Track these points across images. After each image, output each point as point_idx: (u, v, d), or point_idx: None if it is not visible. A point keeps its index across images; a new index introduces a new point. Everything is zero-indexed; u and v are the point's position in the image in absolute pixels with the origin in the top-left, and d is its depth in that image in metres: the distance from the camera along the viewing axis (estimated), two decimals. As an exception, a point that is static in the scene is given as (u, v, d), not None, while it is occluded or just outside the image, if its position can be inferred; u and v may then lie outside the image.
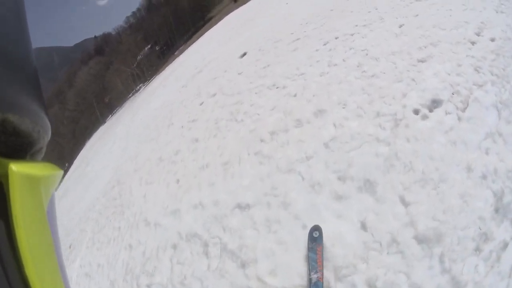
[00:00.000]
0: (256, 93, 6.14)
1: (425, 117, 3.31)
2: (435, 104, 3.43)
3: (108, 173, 10.01)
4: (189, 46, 39.12)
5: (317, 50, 6.43)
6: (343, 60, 5.38)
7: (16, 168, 0.29)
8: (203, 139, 5.87)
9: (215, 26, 34.40)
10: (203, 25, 56.51)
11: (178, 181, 5.11)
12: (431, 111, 3.37)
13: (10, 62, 0.30)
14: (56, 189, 0.39)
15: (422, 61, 4.34)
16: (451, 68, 3.92)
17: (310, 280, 2.35)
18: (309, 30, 8.10)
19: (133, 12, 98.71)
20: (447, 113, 3.24)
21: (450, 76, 3.76)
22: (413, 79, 4.00)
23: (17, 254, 0.29)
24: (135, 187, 6.44)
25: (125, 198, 6.38)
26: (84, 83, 71.06)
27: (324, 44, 6.54)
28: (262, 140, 4.44)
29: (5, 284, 0.28)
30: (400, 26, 5.85)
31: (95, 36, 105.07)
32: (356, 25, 6.77)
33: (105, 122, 49.81)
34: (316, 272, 2.36)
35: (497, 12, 5.02)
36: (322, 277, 2.33)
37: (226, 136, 5.35)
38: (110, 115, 52.04)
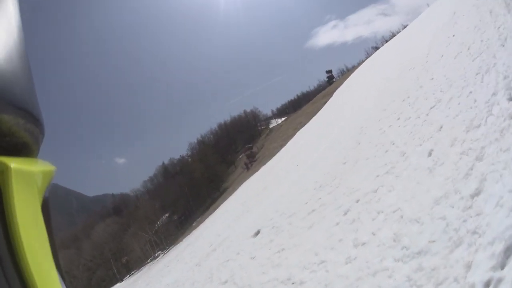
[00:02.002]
0: (268, 292, 4.85)
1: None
2: (508, 252, 2.36)
3: None
4: (206, 217, 41.03)
5: (337, 224, 5.16)
6: (373, 234, 4.04)
7: (11, 165, 0.30)
8: None
9: (230, 198, 35.69)
10: (219, 196, 59.09)
11: None
12: (503, 267, 2.30)
13: (5, 64, 0.32)
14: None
15: (476, 194, 3.21)
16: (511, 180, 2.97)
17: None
18: (324, 196, 7.01)
19: (150, 177, 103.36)
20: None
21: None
22: (474, 232, 2.78)
23: (13, 248, 0.30)
24: None
25: None
26: (101, 239, 71.26)
27: (345, 214, 5.29)
28: None
29: (1, 278, 0.29)
30: (430, 154, 4.76)
31: (112, 194, 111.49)
32: (377, 176, 5.64)
33: (122, 280, 50.79)
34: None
35: (503, 46, 4.69)
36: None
37: None
38: (128, 275, 52.84)
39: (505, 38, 5.88)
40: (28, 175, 0.33)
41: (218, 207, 38.41)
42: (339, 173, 7.73)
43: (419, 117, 6.56)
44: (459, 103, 5.48)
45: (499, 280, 2.21)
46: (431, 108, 6.41)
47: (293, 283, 4.38)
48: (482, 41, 7.04)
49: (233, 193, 37.83)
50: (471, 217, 3.00)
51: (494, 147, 3.63)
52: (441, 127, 5.24)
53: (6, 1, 0.36)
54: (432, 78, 8.28)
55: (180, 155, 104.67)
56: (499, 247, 2.41)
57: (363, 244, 4.00)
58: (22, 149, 0.35)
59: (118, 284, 46.59)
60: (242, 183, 38.88)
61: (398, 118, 7.73)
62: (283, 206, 9.15)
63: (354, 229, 4.55)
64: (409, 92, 9.02)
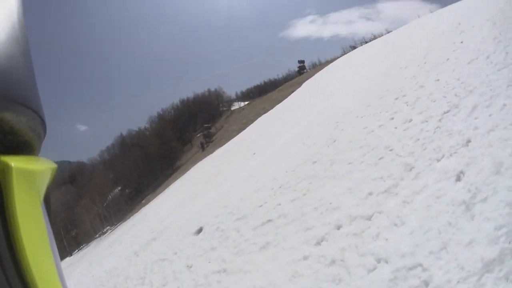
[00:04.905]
0: None
1: None
2: None
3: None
4: (155, 195, 40.90)
5: (305, 259, 3.45)
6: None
7: (12, 163, 0.29)
8: None
9: (180, 178, 35.97)
10: (171, 174, 58.77)
11: None
12: None
13: (7, 62, 0.31)
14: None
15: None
16: None
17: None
18: (285, 203, 5.35)
19: (108, 147, 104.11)
20: None
21: None
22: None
23: (13, 248, 0.30)
24: None
25: None
26: (54, 207, 68.15)
27: (318, 244, 3.58)
28: None
29: (2, 277, 0.29)
30: (459, 179, 3.15)
31: (69, 162, 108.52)
32: (370, 194, 3.95)
33: (71, 254, 49.73)
34: None
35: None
36: None
37: None
38: (77, 250, 52.07)
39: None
40: (29, 173, 0.32)
41: (168, 186, 38.36)
42: (307, 174, 6.09)
43: (426, 121, 4.96)
44: (490, 115, 3.95)
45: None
46: (445, 113, 4.82)
47: None
48: (507, 53, 5.58)
49: (185, 173, 37.73)
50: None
51: None
52: (469, 142, 3.68)
53: None
54: (438, 80, 6.65)
55: (139, 127, 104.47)
56: None
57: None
58: (24, 147, 0.34)
59: (68, 258, 45.11)
60: (195, 164, 38.58)
61: (392, 118, 6.11)
62: (232, 202, 7.69)
63: (335, 279, 2.88)
64: (404, 91, 7.36)
